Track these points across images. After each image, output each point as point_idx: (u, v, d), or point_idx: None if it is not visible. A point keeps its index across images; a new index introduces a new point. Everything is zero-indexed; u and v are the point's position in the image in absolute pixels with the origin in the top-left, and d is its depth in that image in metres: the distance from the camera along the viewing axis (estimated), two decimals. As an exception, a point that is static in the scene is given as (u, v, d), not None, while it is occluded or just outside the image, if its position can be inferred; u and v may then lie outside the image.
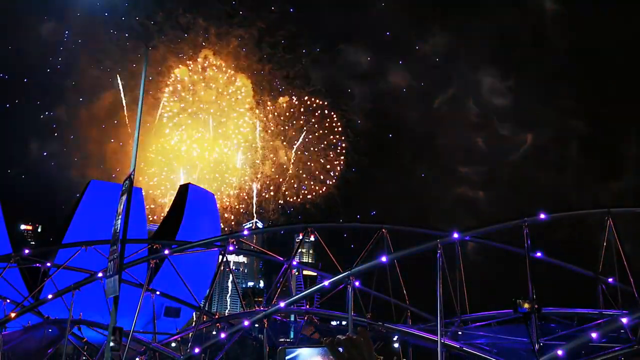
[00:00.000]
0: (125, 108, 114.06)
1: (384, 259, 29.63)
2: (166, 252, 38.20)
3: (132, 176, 21.70)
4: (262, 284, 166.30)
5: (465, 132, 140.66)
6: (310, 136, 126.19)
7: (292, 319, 46.51)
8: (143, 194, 76.28)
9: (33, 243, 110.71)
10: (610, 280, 32.83)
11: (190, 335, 36.84)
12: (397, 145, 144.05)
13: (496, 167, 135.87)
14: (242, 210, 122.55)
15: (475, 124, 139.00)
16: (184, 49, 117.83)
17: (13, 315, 37.85)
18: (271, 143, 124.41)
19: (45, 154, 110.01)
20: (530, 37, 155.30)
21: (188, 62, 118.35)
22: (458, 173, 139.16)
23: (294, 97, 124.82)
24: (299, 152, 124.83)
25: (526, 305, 21.44)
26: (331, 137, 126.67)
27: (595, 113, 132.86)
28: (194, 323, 65.86)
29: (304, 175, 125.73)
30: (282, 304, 31.20)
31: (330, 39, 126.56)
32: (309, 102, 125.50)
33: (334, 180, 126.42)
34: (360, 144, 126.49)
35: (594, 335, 24.01)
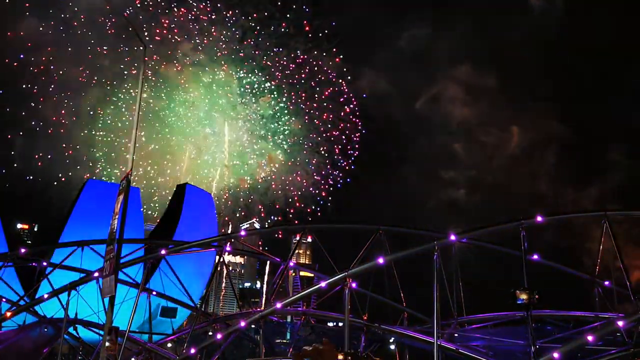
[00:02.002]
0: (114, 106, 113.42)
1: (380, 260, 29.59)
2: (163, 252, 38.15)
3: (129, 176, 21.67)
4: (259, 285, 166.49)
5: (445, 135, 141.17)
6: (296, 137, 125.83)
7: (289, 320, 46.51)
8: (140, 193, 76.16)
9: (29, 242, 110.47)
10: (606, 283, 32.87)
11: (186, 336, 36.79)
12: (382, 147, 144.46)
13: (478, 170, 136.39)
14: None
15: (455, 126, 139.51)
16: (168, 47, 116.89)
17: (9, 314, 37.78)
18: (257, 145, 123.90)
19: (35, 151, 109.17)
20: (517, 36, 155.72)
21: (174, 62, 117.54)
22: (440, 175, 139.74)
23: (277, 96, 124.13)
24: (288, 152, 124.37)
25: (524, 296, 21.47)
26: (317, 138, 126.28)
27: (576, 116, 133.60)
28: (185, 323, 65.83)
29: (294, 178, 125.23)
30: (278, 305, 31.15)
31: (314, 40, 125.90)
32: (292, 103, 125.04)
33: (322, 184, 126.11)
34: (347, 146, 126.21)
35: (590, 338, 24.03)
